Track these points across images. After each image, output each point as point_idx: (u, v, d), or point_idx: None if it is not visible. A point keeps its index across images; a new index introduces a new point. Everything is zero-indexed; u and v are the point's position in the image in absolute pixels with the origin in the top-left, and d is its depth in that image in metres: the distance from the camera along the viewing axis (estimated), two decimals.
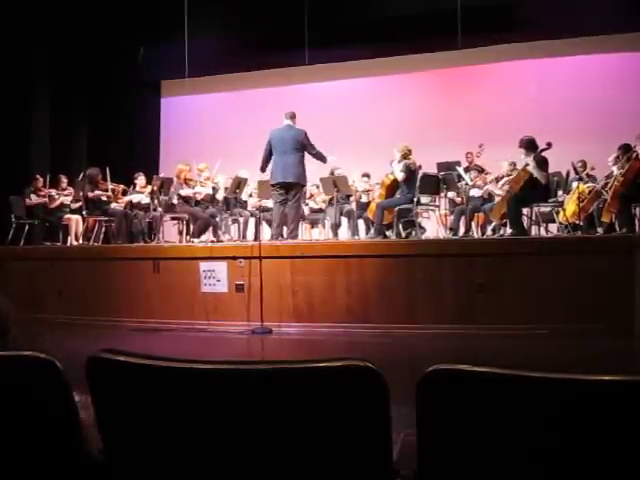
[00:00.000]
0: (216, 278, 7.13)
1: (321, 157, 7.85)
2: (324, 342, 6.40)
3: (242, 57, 11.64)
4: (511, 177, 7.96)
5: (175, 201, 8.82)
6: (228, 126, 12.25)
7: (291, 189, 7.68)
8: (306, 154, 7.74)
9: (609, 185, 7.71)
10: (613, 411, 0.98)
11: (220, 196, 9.51)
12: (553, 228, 8.82)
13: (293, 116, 7.78)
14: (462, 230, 8.61)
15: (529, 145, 7.29)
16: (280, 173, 7.64)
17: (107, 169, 9.05)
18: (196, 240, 8.43)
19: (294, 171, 7.56)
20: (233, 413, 1.14)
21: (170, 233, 9.34)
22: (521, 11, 10.07)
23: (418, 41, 10.70)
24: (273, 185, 7.78)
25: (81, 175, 9.46)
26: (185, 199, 8.83)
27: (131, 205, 9.37)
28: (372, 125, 11.33)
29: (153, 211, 9.12)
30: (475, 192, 8.89)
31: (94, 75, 11.84)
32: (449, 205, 9.15)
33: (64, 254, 8.37)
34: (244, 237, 9.77)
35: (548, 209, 8.41)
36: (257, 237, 8.44)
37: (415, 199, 7.93)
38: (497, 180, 8.64)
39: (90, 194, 9.01)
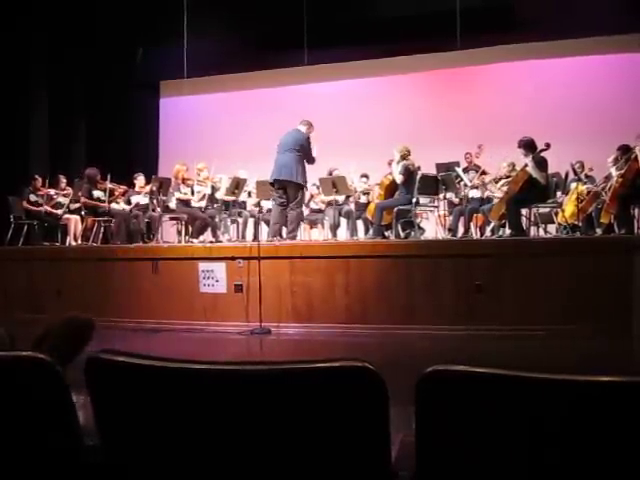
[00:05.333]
0: (215, 278, 7.13)
1: (313, 160, 7.86)
2: (323, 342, 6.40)
3: (241, 58, 11.64)
4: (510, 178, 7.97)
5: (173, 205, 8.82)
6: (227, 126, 12.26)
7: (289, 190, 7.69)
8: None
9: (608, 186, 7.72)
10: (612, 412, 0.98)
11: (220, 196, 9.52)
12: (552, 229, 8.83)
13: (308, 124, 7.84)
14: (461, 231, 8.62)
15: (528, 146, 7.29)
16: (275, 171, 7.73)
17: (108, 176, 9.06)
18: (195, 240, 8.42)
19: (287, 169, 7.60)
20: (232, 413, 1.14)
21: (169, 233, 9.34)
22: (519, 12, 10.08)
23: (417, 42, 10.71)
24: (271, 184, 7.86)
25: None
26: (183, 202, 8.83)
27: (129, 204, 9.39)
28: (371, 125, 11.33)
29: (152, 211, 9.12)
30: (474, 193, 8.90)
31: (93, 75, 11.84)
32: (448, 206, 9.15)
33: (63, 254, 8.37)
34: (243, 237, 9.77)
35: (547, 210, 8.42)
36: (256, 237, 8.44)
37: (414, 200, 7.94)
38: (496, 181, 8.66)
39: (84, 199, 9.05)
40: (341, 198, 9.46)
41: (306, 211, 9.89)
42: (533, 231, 8.36)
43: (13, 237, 9.16)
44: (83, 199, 9.14)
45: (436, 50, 11.05)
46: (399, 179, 8.02)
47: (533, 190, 7.28)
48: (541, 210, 8.32)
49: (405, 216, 8.15)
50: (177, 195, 8.82)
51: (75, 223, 9.33)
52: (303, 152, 7.68)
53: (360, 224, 9.54)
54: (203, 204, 8.97)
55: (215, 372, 1.12)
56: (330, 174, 9.24)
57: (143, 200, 9.36)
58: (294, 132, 7.81)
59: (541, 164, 7.22)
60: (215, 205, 9.44)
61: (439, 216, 8.81)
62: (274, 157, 7.80)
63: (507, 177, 8.29)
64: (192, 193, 8.99)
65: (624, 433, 0.99)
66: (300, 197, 7.89)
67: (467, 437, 1.07)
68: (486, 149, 9.17)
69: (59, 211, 9.44)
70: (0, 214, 9.29)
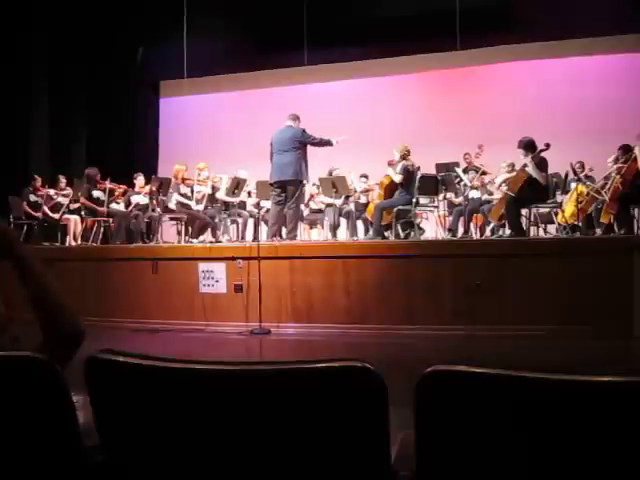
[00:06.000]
0: (215, 279, 7.13)
1: (325, 143, 7.77)
2: (323, 343, 6.40)
3: (241, 57, 11.66)
4: (510, 178, 7.97)
5: (173, 206, 8.82)
6: (227, 126, 12.27)
7: (288, 188, 7.68)
8: (310, 150, 7.75)
9: (608, 186, 7.72)
10: (612, 412, 0.98)
11: (220, 196, 9.51)
12: (552, 229, 8.83)
13: (295, 118, 7.80)
14: (461, 231, 8.62)
15: (528, 146, 7.29)
16: (276, 172, 7.69)
17: (108, 180, 9.07)
18: (195, 240, 8.42)
19: (291, 169, 7.56)
20: (231, 413, 1.14)
21: (169, 233, 9.34)
22: (520, 12, 10.09)
23: (417, 42, 10.72)
24: (271, 184, 7.84)
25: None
26: (183, 205, 8.83)
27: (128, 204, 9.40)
28: (371, 125, 11.33)
29: (152, 211, 9.12)
30: (474, 193, 8.90)
31: (93, 75, 11.86)
32: (448, 206, 9.16)
33: (63, 254, 8.36)
34: (243, 238, 9.77)
35: (547, 210, 8.42)
36: (256, 237, 8.44)
37: (414, 200, 7.94)
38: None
39: (83, 200, 9.06)
40: (340, 200, 9.45)
41: (306, 211, 9.89)
42: (533, 231, 8.36)
43: None
44: (82, 199, 9.14)
45: (436, 50, 11.05)
46: (398, 179, 8.02)
47: (533, 190, 7.27)
48: (541, 210, 8.31)
49: (405, 216, 8.15)
50: (176, 197, 8.82)
51: (75, 223, 9.33)
52: (303, 148, 7.65)
53: (360, 224, 9.54)
54: (202, 207, 8.96)
55: (214, 372, 1.12)
56: (330, 174, 9.24)
57: (143, 200, 9.36)
58: (287, 130, 7.73)
59: (541, 164, 7.22)
60: (215, 205, 9.43)
61: (439, 216, 8.81)
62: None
63: (507, 177, 8.29)
64: (192, 193, 8.99)
65: (624, 433, 0.99)
66: (298, 194, 7.87)
67: (467, 437, 1.07)
68: (486, 149, 9.16)
69: (56, 215, 9.43)
70: (0, 214, 9.28)
